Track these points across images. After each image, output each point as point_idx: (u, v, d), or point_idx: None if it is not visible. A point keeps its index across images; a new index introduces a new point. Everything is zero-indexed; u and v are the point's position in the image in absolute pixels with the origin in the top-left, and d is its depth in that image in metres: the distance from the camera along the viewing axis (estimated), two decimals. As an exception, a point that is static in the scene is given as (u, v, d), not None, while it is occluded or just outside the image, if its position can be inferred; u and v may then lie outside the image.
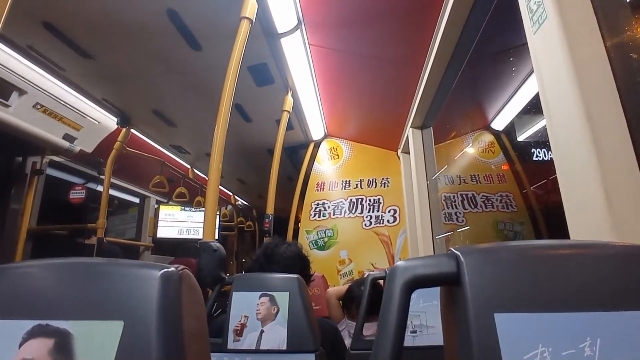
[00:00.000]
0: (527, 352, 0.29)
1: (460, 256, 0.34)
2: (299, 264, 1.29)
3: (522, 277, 0.33)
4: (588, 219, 0.67)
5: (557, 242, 0.36)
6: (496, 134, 3.62)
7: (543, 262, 0.34)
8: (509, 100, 3.10)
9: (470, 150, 3.63)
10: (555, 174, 0.78)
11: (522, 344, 0.29)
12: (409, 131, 2.53)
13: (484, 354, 0.29)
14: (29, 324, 0.34)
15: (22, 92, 2.45)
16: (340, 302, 2.04)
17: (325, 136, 3.80)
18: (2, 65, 2.27)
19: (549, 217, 3.39)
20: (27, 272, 0.38)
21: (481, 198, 3.41)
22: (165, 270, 0.38)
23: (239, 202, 6.25)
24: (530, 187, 3.52)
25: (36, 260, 0.40)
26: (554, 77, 0.76)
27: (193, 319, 0.39)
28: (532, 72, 2.63)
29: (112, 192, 3.67)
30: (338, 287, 2.10)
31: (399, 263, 0.36)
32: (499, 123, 3.50)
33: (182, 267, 0.40)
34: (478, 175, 3.52)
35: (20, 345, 0.34)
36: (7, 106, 2.42)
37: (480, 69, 2.54)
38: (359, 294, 2.04)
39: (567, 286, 0.32)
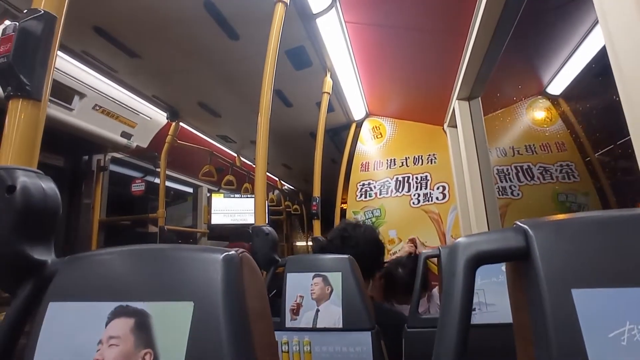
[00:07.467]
0: (613, 329, 0.27)
1: (529, 230, 0.32)
2: (375, 251, 1.28)
3: (601, 250, 0.30)
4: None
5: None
6: (553, 99, 3.34)
7: (624, 232, 0.31)
8: (566, 61, 2.83)
9: (524, 118, 3.39)
10: (623, 138, 0.70)
11: (606, 322, 0.27)
12: (455, 103, 2.41)
13: (563, 332, 0.27)
14: (112, 305, 0.38)
15: (82, 95, 2.65)
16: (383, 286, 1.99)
17: (367, 115, 3.72)
18: (64, 72, 2.46)
19: (617, 185, 3.11)
20: (107, 259, 0.42)
21: (538, 169, 3.19)
22: (227, 253, 0.40)
23: (285, 187, 6.38)
24: (594, 154, 3.23)
25: (112, 247, 0.43)
26: (622, 22, 0.68)
27: (256, 298, 0.40)
28: (595, 24, 2.38)
29: (168, 183, 3.92)
30: None
31: (460, 240, 0.35)
32: (556, 87, 3.22)
33: (241, 250, 0.42)
34: (533, 145, 3.29)
35: (107, 324, 0.37)
36: (71, 110, 2.63)
37: (532, 29, 2.34)
38: (401, 275, 2.02)
39: None
